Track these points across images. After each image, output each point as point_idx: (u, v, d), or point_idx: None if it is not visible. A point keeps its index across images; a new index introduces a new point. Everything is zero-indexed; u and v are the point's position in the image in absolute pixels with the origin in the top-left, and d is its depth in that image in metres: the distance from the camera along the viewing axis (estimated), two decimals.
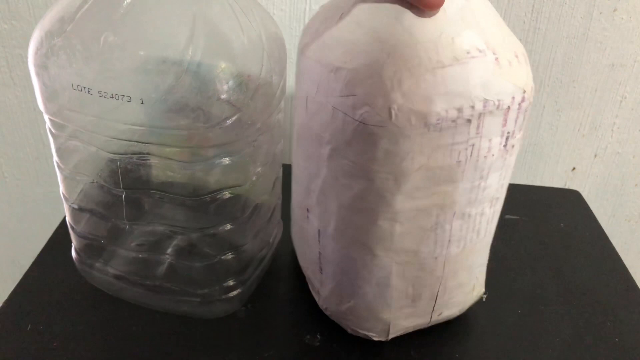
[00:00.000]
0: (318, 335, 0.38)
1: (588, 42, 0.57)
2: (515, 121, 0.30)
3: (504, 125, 0.30)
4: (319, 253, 0.36)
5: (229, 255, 0.37)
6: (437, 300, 0.36)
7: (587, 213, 0.55)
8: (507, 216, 0.51)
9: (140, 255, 0.38)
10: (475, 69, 0.28)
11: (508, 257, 0.47)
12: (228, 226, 0.35)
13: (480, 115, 0.29)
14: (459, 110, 0.28)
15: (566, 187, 0.65)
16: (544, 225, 0.52)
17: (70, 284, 0.41)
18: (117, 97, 0.29)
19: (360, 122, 0.29)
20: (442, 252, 0.34)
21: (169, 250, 0.37)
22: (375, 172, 0.30)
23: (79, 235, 0.39)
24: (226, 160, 0.33)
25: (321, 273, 0.37)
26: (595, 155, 0.64)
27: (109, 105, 0.30)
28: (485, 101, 0.28)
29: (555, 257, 0.48)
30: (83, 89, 0.30)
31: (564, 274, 0.46)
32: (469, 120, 0.29)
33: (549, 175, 0.65)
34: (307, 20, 0.56)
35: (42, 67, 0.31)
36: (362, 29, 0.29)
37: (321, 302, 0.39)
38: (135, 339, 0.37)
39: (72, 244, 0.40)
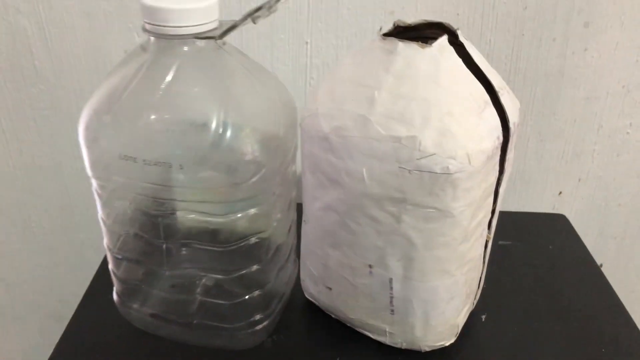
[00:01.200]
0: (338, 358, 0.43)
1: (564, 79, 0.63)
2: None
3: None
4: (391, 298, 0.41)
5: (256, 293, 0.42)
6: (479, 286, 0.45)
7: (573, 235, 0.60)
8: (500, 242, 0.56)
9: (174, 296, 0.43)
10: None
11: (502, 279, 0.52)
12: (255, 267, 0.40)
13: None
14: (498, 138, 0.36)
15: (554, 210, 0.70)
16: (533, 248, 0.57)
17: (113, 325, 0.46)
18: (159, 164, 0.35)
19: (443, 173, 0.34)
20: (483, 250, 0.42)
21: (199, 290, 0.42)
22: (457, 209, 0.36)
23: (120, 280, 0.44)
24: (252, 210, 0.38)
25: (393, 314, 0.42)
26: (579, 180, 0.70)
27: (151, 170, 0.35)
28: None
29: (544, 278, 0.53)
30: (129, 158, 0.35)
31: (553, 293, 0.51)
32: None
33: (538, 200, 0.71)
34: (309, 73, 0.62)
35: (92, 141, 0.37)
36: (404, 99, 0.35)
37: (391, 340, 0.43)
38: None
39: (114, 288, 0.45)
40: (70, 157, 0.68)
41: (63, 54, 0.62)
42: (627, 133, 0.66)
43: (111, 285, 0.48)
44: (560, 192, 0.70)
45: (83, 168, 0.66)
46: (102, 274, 0.52)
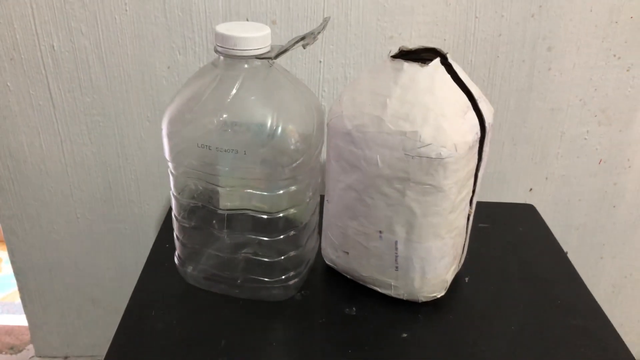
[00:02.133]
0: (354, 308, 0.56)
1: (532, 93, 0.76)
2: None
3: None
4: (396, 256, 0.53)
5: (291, 253, 0.54)
6: (463, 251, 0.58)
7: (539, 220, 0.73)
8: (480, 225, 0.69)
9: (228, 255, 0.55)
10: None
11: (481, 252, 0.65)
12: (292, 232, 0.53)
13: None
14: (477, 134, 0.49)
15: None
16: (506, 229, 0.70)
17: (171, 285, 0.58)
18: (228, 151, 0.47)
19: (436, 158, 0.46)
20: (466, 222, 0.55)
21: (248, 250, 0.54)
22: (447, 185, 0.48)
23: (183, 244, 0.56)
24: (293, 187, 0.50)
25: (397, 270, 0.54)
26: (547, 178, 0.83)
27: (222, 156, 0.48)
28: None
29: (515, 251, 0.66)
30: (205, 146, 0.48)
31: (520, 262, 0.64)
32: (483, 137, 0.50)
33: (512, 196, 0.83)
34: (321, 87, 0.74)
35: (174, 133, 0.49)
36: (409, 104, 0.47)
37: (395, 292, 0.55)
38: (225, 315, 0.54)
39: (176, 252, 0.57)
40: (114, 157, 0.79)
41: (115, 68, 0.73)
42: (585, 139, 0.79)
43: (167, 256, 0.60)
44: (531, 189, 0.83)
45: (125, 166, 0.78)
46: (159, 246, 0.63)
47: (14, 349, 1.14)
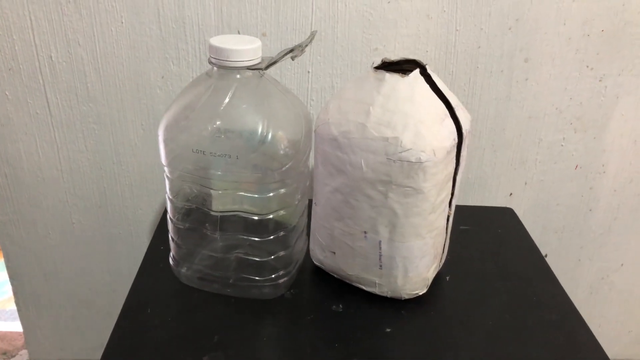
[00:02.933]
0: (340, 305, 0.59)
1: (511, 102, 0.79)
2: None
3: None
4: (380, 255, 0.56)
5: (281, 253, 0.57)
6: (444, 251, 0.60)
7: (517, 222, 0.77)
8: (461, 227, 0.72)
9: (220, 255, 0.58)
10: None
11: (462, 253, 0.68)
12: (281, 233, 0.56)
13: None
14: (455, 139, 0.52)
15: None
16: (486, 231, 0.74)
17: (166, 285, 0.61)
18: (221, 156, 0.50)
19: (416, 162, 0.50)
20: (446, 222, 0.58)
21: (240, 250, 0.57)
22: (426, 187, 0.51)
23: (178, 245, 0.58)
24: (282, 190, 0.53)
25: (381, 269, 0.57)
26: (526, 183, 0.86)
27: (215, 160, 0.51)
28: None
29: (493, 252, 0.69)
30: (199, 151, 0.50)
31: (498, 262, 0.67)
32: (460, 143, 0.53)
33: (493, 200, 0.87)
34: (309, 95, 0.78)
35: (170, 139, 0.52)
36: (390, 112, 0.51)
37: (379, 290, 0.58)
38: (218, 313, 0.57)
39: (171, 253, 0.60)
40: (109, 163, 0.82)
41: (111, 78, 0.76)
42: (562, 145, 0.83)
43: (161, 258, 0.62)
44: (511, 194, 0.87)
45: (119, 172, 0.81)
46: (154, 249, 0.66)
47: (6, 354, 1.16)
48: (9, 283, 0.93)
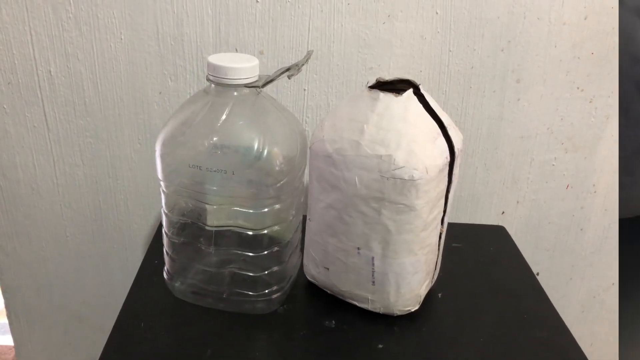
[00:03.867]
0: (333, 321, 0.59)
1: (503, 122, 0.80)
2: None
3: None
4: (373, 271, 0.56)
5: (275, 269, 0.57)
6: (436, 268, 0.61)
7: (509, 239, 0.77)
8: (454, 244, 0.73)
9: (214, 269, 0.58)
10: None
11: (454, 270, 0.69)
12: (275, 248, 0.56)
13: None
14: (447, 158, 0.53)
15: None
16: (478, 248, 0.74)
17: (159, 299, 0.61)
18: (217, 171, 0.51)
19: (409, 179, 0.50)
20: (438, 239, 0.58)
21: (234, 265, 0.58)
22: (419, 205, 0.52)
23: (172, 259, 0.59)
24: (277, 206, 0.54)
25: (374, 285, 0.57)
26: (518, 202, 0.87)
27: (211, 176, 0.51)
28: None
29: (485, 269, 0.70)
30: (195, 166, 0.51)
31: (490, 279, 0.68)
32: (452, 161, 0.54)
33: (485, 218, 0.88)
34: (305, 113, 0.79)
35: (167, 154, 0.52)
36: (384, 130, 0.52)
37: (372, 306, 0.59)
38: (211, 327, 0.57)
39: (165, 267, 0.60)
40: (105, 177, 0.82)
41: (109, 93, 0.77)
42: (553, 165, 0.84)
43: (155, 272, 0.63)
44: (503, 212, 0.88)
45: (115, 186, 0.81)
46: (148, 263, 0.66)
47: None
48: (0, 296, 0.93)
